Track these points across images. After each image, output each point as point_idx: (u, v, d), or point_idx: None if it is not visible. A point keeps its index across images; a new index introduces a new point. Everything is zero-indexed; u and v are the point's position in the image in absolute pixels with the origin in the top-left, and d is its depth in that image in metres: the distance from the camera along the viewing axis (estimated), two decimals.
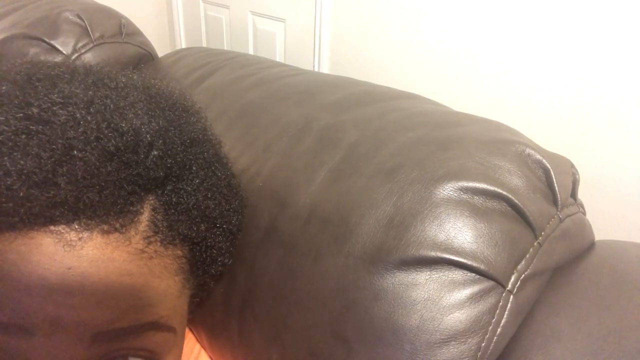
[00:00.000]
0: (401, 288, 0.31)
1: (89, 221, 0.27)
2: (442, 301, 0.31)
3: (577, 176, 0.38)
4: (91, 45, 0.67)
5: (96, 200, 0.27)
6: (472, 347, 0.30)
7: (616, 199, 0.75)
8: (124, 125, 0.30)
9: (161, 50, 0.77)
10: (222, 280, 0.41)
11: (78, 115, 0.29)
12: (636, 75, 0.69)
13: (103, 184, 0.28)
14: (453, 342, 0.30)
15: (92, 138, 0.28)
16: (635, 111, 0.71)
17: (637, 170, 0.72)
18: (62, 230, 0.27)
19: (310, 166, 0.38)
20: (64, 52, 0.65)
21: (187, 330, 0.49)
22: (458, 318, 0.30)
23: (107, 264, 0.28)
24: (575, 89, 0.76)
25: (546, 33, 0.77)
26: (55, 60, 0.65)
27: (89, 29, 0.68)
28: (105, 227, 0.28)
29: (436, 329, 0.30)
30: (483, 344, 0.30)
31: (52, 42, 0.65)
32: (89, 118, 0.29)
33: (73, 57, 0.66)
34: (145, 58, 0.74)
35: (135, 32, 0.75)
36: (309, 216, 0.36)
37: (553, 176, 0.35)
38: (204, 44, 1.63)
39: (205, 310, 0.43)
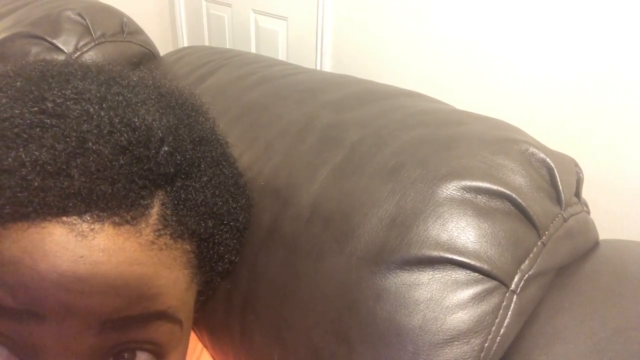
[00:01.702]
0: (404, 288, 0.31)
1: (101, 213, 0.28)
2: (445, 301, 0.30)
3: (581, 175, 0.38)
4: (93, 44, 0.67)
5: (108, 193, 0.28)
6: (475, 348, 0.30)
7: (620, 198, 0.74)
8: (136, 120, 0.30)
9: (163, 48, 0.77)
10: (225, 279, 0.41)
11: (91, 110, 0.29)
12: None
13: (115, 177, 0.28)
14: (456, 343, 0.30)
15: (105, 132, 0.29)
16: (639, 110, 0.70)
17: None
18: (74, 221, 0.27)
19: (313, 165, 0.38)
20: (65, 50, 0.65)
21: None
22: (461, 318, 0.30)
23: (118, 254, 0.28)
24: (579, 87, 0.76)
25: (551, 31, 0.77)
26: (57, 59, 0.65)
27: (90, 27, 0.68)
28: (117, 219, 0.28)
29: (439, 329, 0.30)
30: (486, 344, 0.30)
31: (54, 40, 0.65)
32: (102, 113, 0.30)
33: (75, 55, 0.66)
34: (147, 57, 0.74)
35: (137, 31, 0.75)
36: (311, 215, 0.36)
37: (557, 175, 0.34)
38: (206, 43, 1.63)
39: (208, 309, 0.43)
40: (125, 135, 0.29)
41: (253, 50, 1.43)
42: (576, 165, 0.38)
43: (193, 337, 0.49)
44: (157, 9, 1.71)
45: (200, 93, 0.54)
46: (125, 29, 0.72)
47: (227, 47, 1.50)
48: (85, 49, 0.66)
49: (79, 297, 0.27)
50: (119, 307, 0.28)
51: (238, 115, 0.47)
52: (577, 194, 0.37)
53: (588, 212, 0.39)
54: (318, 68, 1.21)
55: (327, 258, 0.34)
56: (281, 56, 1.33)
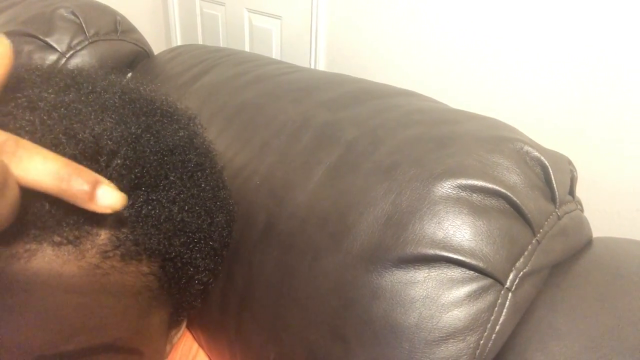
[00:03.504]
0: (400, 286, 0.31)
1: (39, 232, 0.26)
2: (441, 299, 0.30)
3: (575, 173, 0.38)
4: (86, 42, 0.67)
5: (46, 210, 0.26)
6: (471, 345, 0.30)
7: (614, 197, 0.75)
8: (81, 131, 0.28)
9: (157, 47, 0.76)
10: (220, 279, 0.41)
11: (37, 120, 0.27)
12: (633, 73, 0.69)
13: None
14: (452, 340, 0.30)
15: (47, 144, 0.26)
16: (632, 109, 0.71)
17: (635, 168, 0.72)
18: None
19: (308, 164, 0.38)
20: (58, 49, 0.65)
21: (185, 330, 0.49)
22: (457, 316, 0.30)
23: (54, 280, 0.26)
24: (573, 86, 0.76)
25: (545, 30, 0.77)
26: (50, 57, 0.64)
27: (84, 26, 0.67)
28: (57, 238, 0.26)
29: (435, 327, 0.30)
30: (482, 342, 0.30)
31: (47, 39, 0.64)
32: (49, 123, 0.28)
33: (68, 54, 0.65)
34: (140, 55, 0.74)
35: (130, 29, 0.74)
36: (307, 214, 0.36)
37: (551, 173, 0.35)
38: (200, 41, 1.62)
39: (203, 309, 0.43)
40: (69, 147, 0.27)
41: (247, 49, 1.43)
42: (570, 163, 0.38)
43: (189, 337, 0.49)
44: (150, 7, 1.71)
45: (194, 92, 0.53)
46: (119, 27, 0.71)
47: (221, 45, 1.50)
48: (78, 48, 0.66)
49: (6, 330, 0.25)
50: (54, 341, 0.26)
51: (233, 115, 0.47)
52: (571, 192, 0.38)
53: (582, 210, 0.39)
54: (312, 67, 1.21)
55: (323, 257, 0.34)
56: (275, 55, 1.33)
